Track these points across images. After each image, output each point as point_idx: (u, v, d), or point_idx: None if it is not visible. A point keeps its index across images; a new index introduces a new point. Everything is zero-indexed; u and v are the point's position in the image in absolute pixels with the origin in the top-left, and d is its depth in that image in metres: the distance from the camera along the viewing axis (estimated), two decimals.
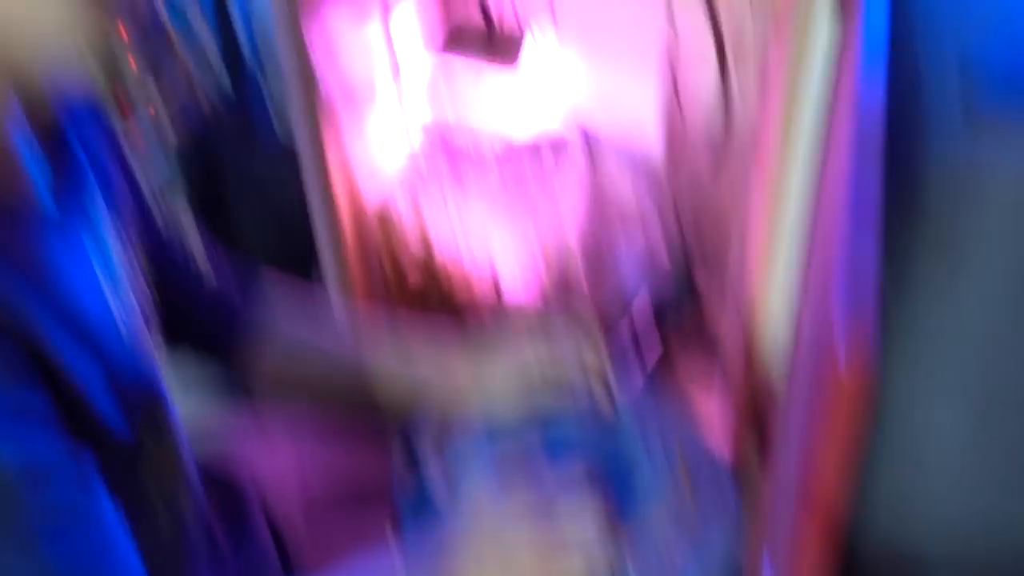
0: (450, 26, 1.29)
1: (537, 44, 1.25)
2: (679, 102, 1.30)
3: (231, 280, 0.83)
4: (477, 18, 1.24)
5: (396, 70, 1.20)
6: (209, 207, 1.72)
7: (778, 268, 0.95)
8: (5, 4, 0.47)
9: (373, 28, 1.19)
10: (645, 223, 1.20)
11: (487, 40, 1.24)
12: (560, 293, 1.23)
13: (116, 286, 0.60)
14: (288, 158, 1.61)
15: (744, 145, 1.05)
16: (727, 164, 1.12)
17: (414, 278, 1.31)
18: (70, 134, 0.60)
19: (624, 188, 1.22)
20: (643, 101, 1.22)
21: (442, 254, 1.27)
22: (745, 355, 1.02)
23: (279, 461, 0.90)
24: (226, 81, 1.82)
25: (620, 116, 1.26)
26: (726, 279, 1.14)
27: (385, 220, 1.26)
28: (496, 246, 1.23)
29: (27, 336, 0.48)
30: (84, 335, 0.53)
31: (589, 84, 1.28)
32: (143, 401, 0.58)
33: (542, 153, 1.31)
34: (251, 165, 1.65)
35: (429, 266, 1.29)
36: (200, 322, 0.80)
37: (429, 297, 1.31)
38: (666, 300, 0.96)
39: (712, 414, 1.09)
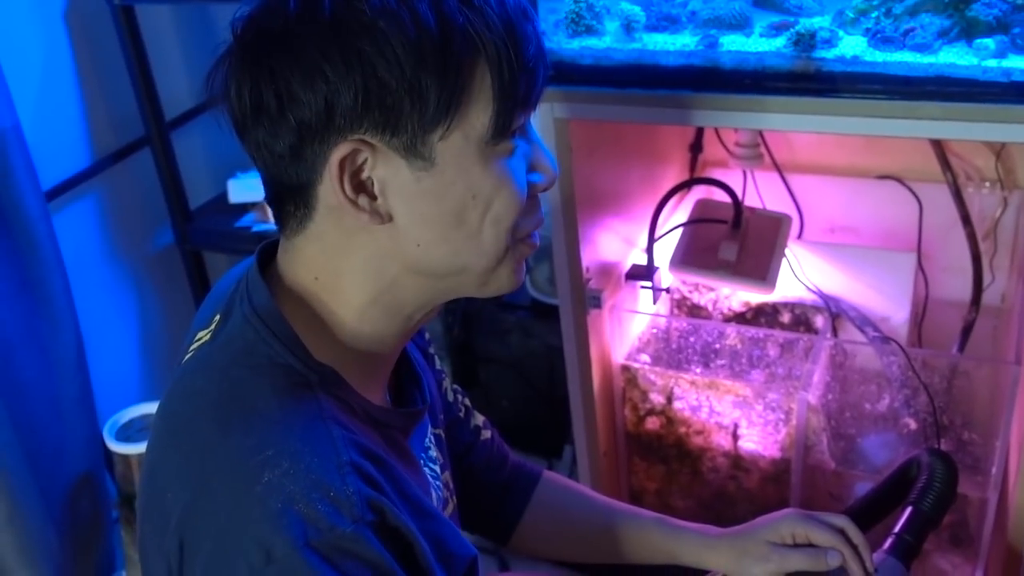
0: (698, 204, 1.42)
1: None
2: (923, 272, 1.36)
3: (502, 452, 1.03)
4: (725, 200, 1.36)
5: (650, 245, 1.33)
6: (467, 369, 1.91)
7: None
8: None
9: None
10: (890, 388, 1.25)
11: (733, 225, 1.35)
12: (800, 448, 1.29)
13: (437, 474, 0.83)
14: (538, 313, 1.79)
15: (996, 321, 1.09)
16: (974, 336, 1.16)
17: (652, 424, 1.41)
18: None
19: (866, 353, 1.27)
20: (890, 276, 1.30)
21: (681, 401, 1.36)
22: (1004, 555, 1.04)
23: None
24: None
25: (865, 286, 1.34)
26: (984, 459, 1.16)
27: (629, 370, 1.37)
28: (735, 398, 1.31)
29: (398, 527, 0.67)
30: (423, 516, 0.71)
31: (837, 268, 1.39)
32: (464, 568, 0.75)
33: (785, 315, 1.40)
34: (501, 320, 1.83)
35: (667, 414, 1.38)
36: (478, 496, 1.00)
37: (665, 443, 1.40)
38: (917, 475, 0.99)
39: None
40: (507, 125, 0.69)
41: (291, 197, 0.70)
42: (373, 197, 0.68)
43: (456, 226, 0.70)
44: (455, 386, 1.01)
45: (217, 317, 0.75)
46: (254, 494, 0.63)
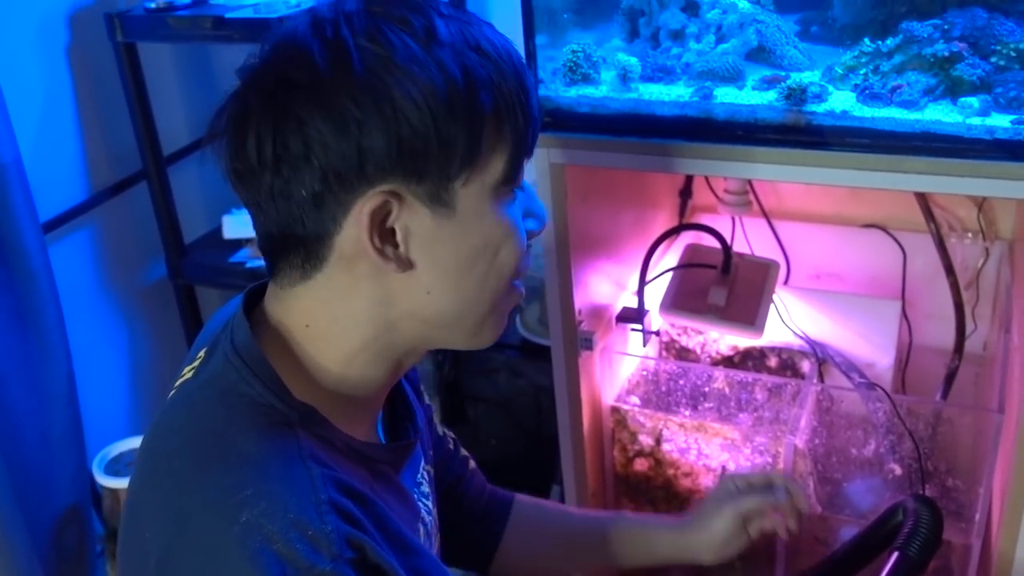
0: (688, 249, 1.45)
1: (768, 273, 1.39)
2: (907, 319, 1.38)
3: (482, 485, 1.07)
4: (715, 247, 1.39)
5: (642, 285, 1.35)
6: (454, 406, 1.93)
7: None
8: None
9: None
10: (875, 434, 1.27)
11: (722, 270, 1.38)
12: None
13: (430, 509, 0.86)
14: (527, 354, 1.81)
15: (978, 369, 1.11)
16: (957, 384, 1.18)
17: (640, 465, 1.42)
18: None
19: (852, 398, 1.29)
20: (875, 323, 1.32)
21: (670, 444, 1.37)
22: None
23: None
24: None
25: (851, 332, 1.37)
26: (968, 505, 1.18)
27: (618, 411, 1.39)
28: (723, 441, 1.32)
29: (379, 563, 0.68)
30: (406, 552, 0.72)
31: (824, 313, 1.42)
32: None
33: (772, 360, 1.42)
34: (490, 359, 1.85)
35: (656, 455, 1.39)
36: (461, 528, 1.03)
37: (653, 484, 1.41)
38: (903, 520, 1.01)
39: None
40: (517, 172, 0.72)
41: (300, 247, 0.71)
42: (396, 246, 0.70)
43: (468, 273, 0.72)
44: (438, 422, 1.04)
45: (202, 354, 0.76)
46: (232, 534, 0.64)
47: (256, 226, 0.73)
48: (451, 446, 1.04)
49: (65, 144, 1.83)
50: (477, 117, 0.68)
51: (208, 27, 1.64)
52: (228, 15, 1.66)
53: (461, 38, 0.68)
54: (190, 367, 0.76)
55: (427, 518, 0.86)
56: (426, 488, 0.88)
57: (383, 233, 0.69)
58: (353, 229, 0.68)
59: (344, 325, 0.73)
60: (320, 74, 0.66)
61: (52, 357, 1.55)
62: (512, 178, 0.72)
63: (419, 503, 0.84)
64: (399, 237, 0.70)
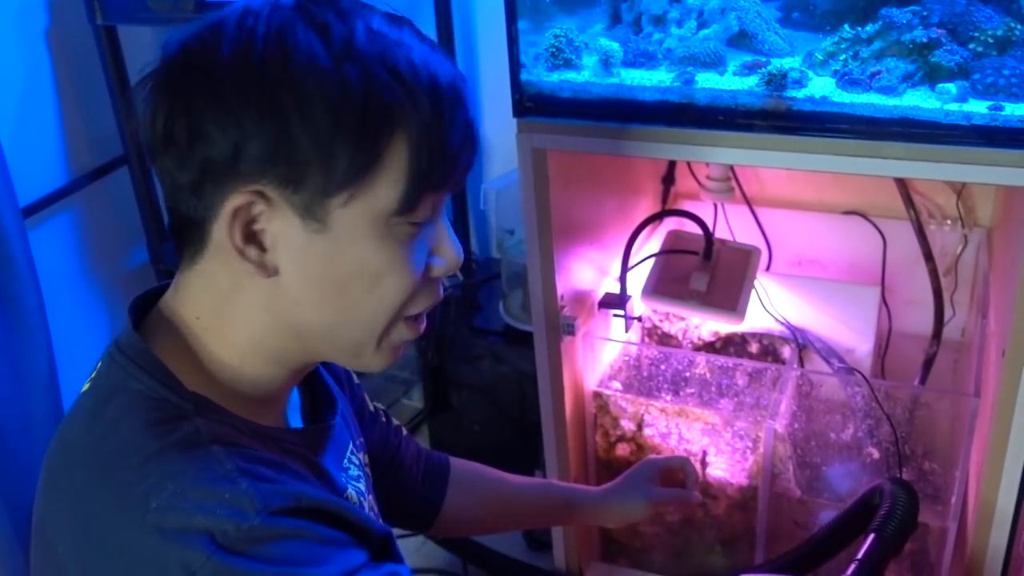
0: (670, 235, 1.45)
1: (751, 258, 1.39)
2: (887, 306, 1.40)
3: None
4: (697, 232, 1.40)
5: (624, 272, 1.35)
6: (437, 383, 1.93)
7: (1001, 495, 1.02)
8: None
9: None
10: (854, 418, 1.28)
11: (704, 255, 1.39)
12: (767, 476, 1.31)
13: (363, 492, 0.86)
14: (510, 340, 1.81)
15: (957, 355, 1.13)
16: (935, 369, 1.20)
17: (622, 450, 1.43)
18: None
19: (832, 383, 1.30)
20: (855, 309, 1.33)
21: (651, 429, 1.38)
22: None
23: None
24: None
25: (831, 318, 1.38)
26: (944, 488, 1.19)
27: (600, 396, 1.39)
28: (704, 426, 1.33)
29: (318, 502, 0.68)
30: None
31: (804, 300, 1.43)
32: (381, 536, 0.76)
33: (753, 346, 1.43)
34: (474, 345, 1.85)
35: (638, 440, 1.40)
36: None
37: None
38: (879, 503, 1.02)
39: None
40: (412, 206, 0.68)
41: (187, 229, 0.69)
42: (263, 249, 0.68)
43: (338, 294, 0.69)
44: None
45: (99, 365, 0.74)
46: (146, 524, 0.62)
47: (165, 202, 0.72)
48: (384, 419, 1.05)
49: (45, 128, 1.81)
50: (367, 139, 0.65)
51: (190, 10, 1.62)
52: None
53: (379, 56, 0.66)
54: (88, 380, 0.74)
55: (361, 500, 0.84)
56: (356, 472, 0.86)
57: (249, 234, 0.67)
58: (223, 223, 0.67)
59: (232, 322, 0.71)
60: (219, 64, 0.65)
61: (33, 343, 1.54)
62: (407, 210, 0.68)
63: (348, 484, 0.83)
64: (267, 242, 0.67)
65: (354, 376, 0.99)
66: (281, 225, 0.67)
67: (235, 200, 0.65)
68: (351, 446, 0.87)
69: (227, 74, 0.64)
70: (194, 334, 0.72)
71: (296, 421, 0.82)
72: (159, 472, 0.64)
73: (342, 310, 0.70)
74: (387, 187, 0.67)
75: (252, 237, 0.67)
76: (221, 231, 0.67)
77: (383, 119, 0.65)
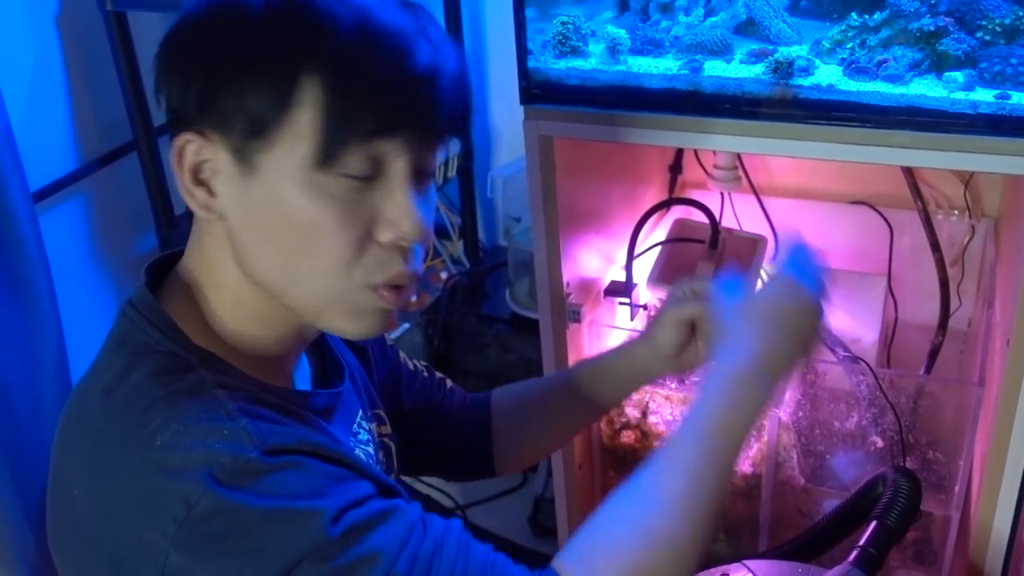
0: (677, 224, 1.46)
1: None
2: (893, 295, 1.39)
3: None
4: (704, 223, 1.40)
5: (629, 262, 1.36)
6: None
7: (1004, 484, 1.02)
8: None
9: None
10: (858, 407, 1.28)
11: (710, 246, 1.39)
12: (771, 464, 1.32)
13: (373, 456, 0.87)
14: (517, 327, 1.82)
15: (963, 345, 1.13)
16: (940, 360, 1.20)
17: (627, 438, 1.43)
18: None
19: (837, 372, 1.31)
20: (861, 298, 1.33)
21: (656, 416, 1.38)
22: (967, 573, 1.07)
23: None
24: (463, 256, 2.07)
25: (837, 308, 1.37)
26: (948, 477, 1.19)
27: None
28: None
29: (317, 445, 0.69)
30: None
31: None
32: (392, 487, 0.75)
33: None
34: (480, 332, 1.86)
35: (642, 427, 1.41)
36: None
37: (640, 456, 1.43)
38: (882, 491, 1.03)
39: None
40: (334, 154, 0.66)
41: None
42: (212, 194, 0.70)
43: (274, 244, 0.70)
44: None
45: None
46: (151, 462, 0.65)
47: None
48: (425, 374, 1.04)
49: (55, 114, 1.82)
50: (276, 76, 0.65)
51: None
52: None
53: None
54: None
55: (365, 459, 0.83)
56: (365, 436, 0.87)
57: (200, 180, 0.70)
58: (176, 166, 0.70)
59: (218, 276, 0.73)
60: (190, 21, 0.69)
61: (43, 326, 1.55)
62: (328, 159, 0.66)
63: (356, 447, 0.84)
64: (215, 187, 0.70)
65: (386, 339, 1.00)
66: (221, 167, 0.69)
67: (178, 141, 0.69)
68: (360, 413, 0.88)
69: (187, 30, 0.69)
70: (200, 292, 0.74)
71: (304, 386, 0.83)
72: (164, 414, 0.66)
73: (284, 264, 0.70)
74: (305, 129, 0.66)
75: (202, 183, 0.70)
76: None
77: (291, 55, 0.65)
